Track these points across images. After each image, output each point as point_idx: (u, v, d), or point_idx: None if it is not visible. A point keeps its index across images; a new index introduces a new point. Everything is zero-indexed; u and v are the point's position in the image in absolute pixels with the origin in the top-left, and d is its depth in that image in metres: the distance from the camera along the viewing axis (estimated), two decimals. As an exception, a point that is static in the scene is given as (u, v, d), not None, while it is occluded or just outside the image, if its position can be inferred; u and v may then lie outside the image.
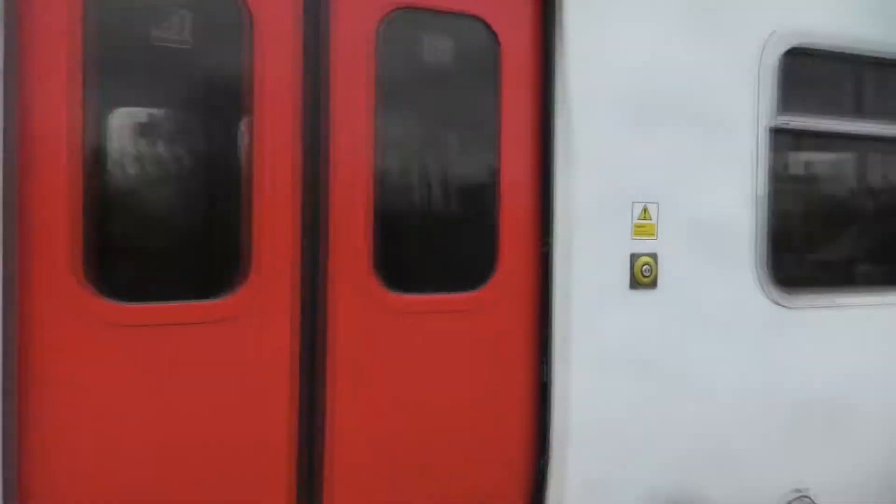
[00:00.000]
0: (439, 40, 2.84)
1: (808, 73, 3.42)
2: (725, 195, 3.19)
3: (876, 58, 3.48)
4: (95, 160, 2.39)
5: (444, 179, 2.91)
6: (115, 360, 2.34)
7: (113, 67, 2.37)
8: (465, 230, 2.92)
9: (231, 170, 2.54)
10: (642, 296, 3.05)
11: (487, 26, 2.85)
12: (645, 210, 3.06)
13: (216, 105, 2.58)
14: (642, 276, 3.03)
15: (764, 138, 3.23)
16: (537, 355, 2.95)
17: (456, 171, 2.95)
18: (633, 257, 3.02)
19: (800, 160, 3.57)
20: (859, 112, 3.53)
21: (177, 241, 2.59)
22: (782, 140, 3.33)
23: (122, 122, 2.48)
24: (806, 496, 3.42)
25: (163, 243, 2.56)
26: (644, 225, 3.06)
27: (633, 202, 3.02)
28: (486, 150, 2.89)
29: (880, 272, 3.68)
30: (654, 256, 3.06)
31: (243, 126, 2.53)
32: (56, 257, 2.28)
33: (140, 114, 2.51)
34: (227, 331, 2.48)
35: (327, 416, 2.65)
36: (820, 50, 3.36)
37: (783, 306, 3.30)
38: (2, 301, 2.17)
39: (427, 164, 2.89)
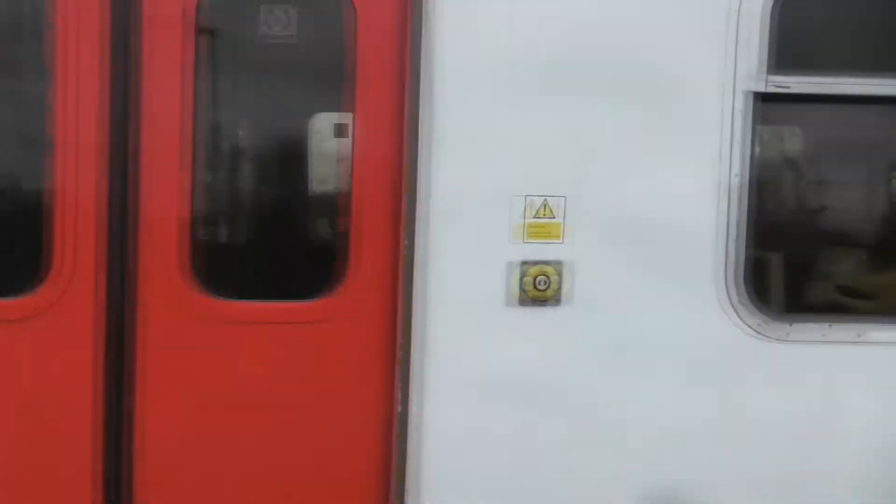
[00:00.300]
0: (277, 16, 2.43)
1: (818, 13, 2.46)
2: (677, 184, 2.38)
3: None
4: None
5: (275, 177, 2.50)
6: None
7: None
8: (311, 231, 2.49)
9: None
10: (538, 314, 2.38)
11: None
12: (545, 206, 2.37)
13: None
14: (535, 290, 2.36)
15: (742, 107, 2.36)
16: (392, 379, 2.42)
17: (291, 167, 2.52)
18: (523, 265, 2.36)
19: (802, 136, 2.58)
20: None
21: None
22: (774, 109, 2.42)
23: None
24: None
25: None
26: (543, 224, 2.37)
27: (525, 196, 2.36)
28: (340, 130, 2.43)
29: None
30: (557, 265, 2.37)
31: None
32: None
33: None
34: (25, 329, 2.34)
35: (136, 421, 2.41)
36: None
37: (766, 337, 2.40)
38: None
39: (257, 161, 2.51)
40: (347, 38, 2.36)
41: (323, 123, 2.54)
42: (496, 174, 2.36)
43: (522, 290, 2.36)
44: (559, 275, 2.36)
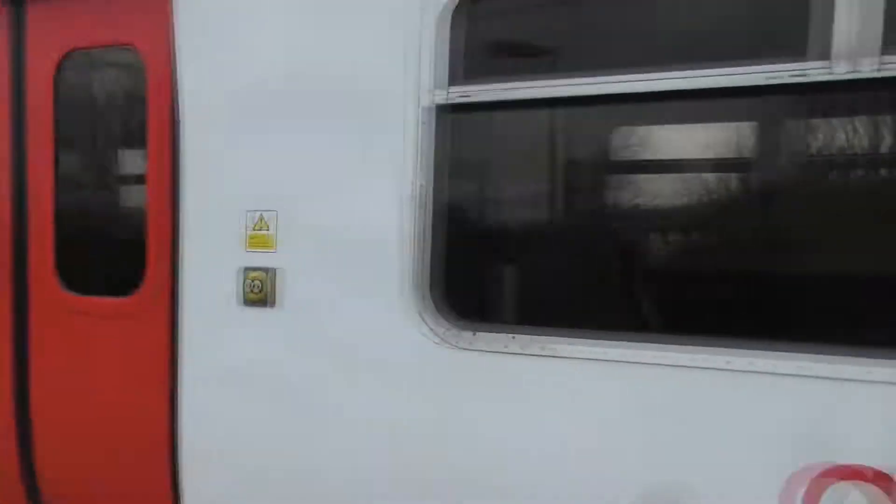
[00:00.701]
0: (107, 71, 3.14)
1: (499, 22, 2.40)
2: (370, 197, 2.54)
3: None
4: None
5: (108, 191, 3.18)
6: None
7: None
8: (126, 238, 3.11)
9: None
10: (254, 314, 2.71)
11: (136, 50, 3.00)
12: (261, 219, 2.70)
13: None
14: (252, 293, 2.70)
15: (427, 119, 2.44)
16: (171, 369, 2.93)
17: (118, 183, 3.17)
18: (245, 271, 2.72)
19: (489, 144, 2.47)
20: (590, 64, 2.25)
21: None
22: (460, 118, 2.43)
23: None
24: None
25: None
26: (260, 236, 2.71)
27: (246, 211, 2.72)
28: (140, 163, 3.05)
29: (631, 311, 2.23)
30: (269, 271, 2.68)
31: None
32: None
33: None
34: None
35: (30, 404, 3.27)
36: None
37: (450, 345, 2.41)
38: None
39: (98, 179, 3.22)
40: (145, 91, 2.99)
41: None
42: (232, 191, 2.76)
43: (245, 293, 2.72)
44: (271, 280, 2.68)
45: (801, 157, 2.55)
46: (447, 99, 2.41)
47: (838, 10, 1.95)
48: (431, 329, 2.44)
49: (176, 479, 2.94)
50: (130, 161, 3.24)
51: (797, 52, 2.01)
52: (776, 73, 2.01)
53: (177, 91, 2.84)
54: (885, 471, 1.95)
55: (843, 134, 2.30)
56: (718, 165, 2.70)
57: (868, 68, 1.93)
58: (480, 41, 2.42)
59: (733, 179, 2.72)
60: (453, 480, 2.42)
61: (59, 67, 3.17)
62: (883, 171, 2.55)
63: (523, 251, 2.63)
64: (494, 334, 2.38)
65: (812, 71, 1.98)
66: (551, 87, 2.27)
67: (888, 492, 1.96)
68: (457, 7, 2.38)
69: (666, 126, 2.81)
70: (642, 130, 2.77)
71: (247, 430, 2.78)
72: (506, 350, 2.35)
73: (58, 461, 3.26)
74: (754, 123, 2.56)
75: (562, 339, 2.28)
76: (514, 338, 2.35)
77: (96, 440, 3.14)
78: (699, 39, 2.23)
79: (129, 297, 3.05)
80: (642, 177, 2.80)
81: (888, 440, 1.97)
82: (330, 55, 2.58)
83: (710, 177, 2.67)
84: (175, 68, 2.85)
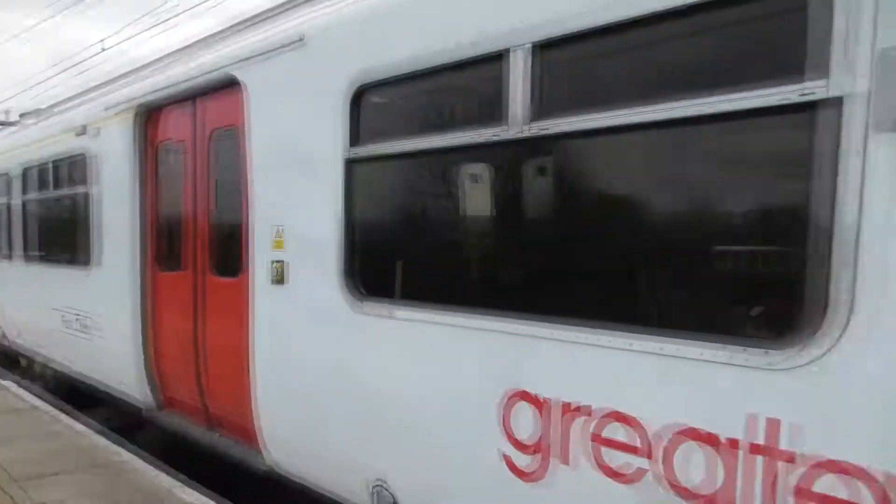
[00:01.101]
0: (229, 141, 5.13)
1: (386, 103, 3.78)
2: (322, 216, 4.10)
3: (445, 65, 3.42)
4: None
5: (230, 214, 5.18)
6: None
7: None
8: (235, 244, 5.06)
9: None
10: (278, 288, 4.44)
11: (236, 128, 4.94)
12: (278, 231, 4.42)
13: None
14: (275, 276, 4.44)
15: (342, 169, 3.94)
16: (249, 320, 4.83)
17: (234, 209, 5.13)
18: (272, 263, 4.46)
19: (376, 183, 3.80)
20: (440, 126, 3.52)
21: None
22: (357, 167, 3.87)
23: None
24: (384, 486, 3.79)
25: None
26: (278, 241, 4.43)
27: (272, 225, 4.46)
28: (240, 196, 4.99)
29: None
30: (283, 263, 4.38)
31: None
32: None
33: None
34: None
35: (198, 342, 5.49)
36: (390, 79, 3.69)
37: (356, 311, 3.88)
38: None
39: (225, 207, 5.24)
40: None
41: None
42: (268, 213, 4.56)
43: (272, 276, 4.49)
44: (285, 268, 4.39)
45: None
46: (349, 155, 3.88)
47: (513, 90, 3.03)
48: (346, 300, 3.94)
49: (253, 387, 4.82)
50: (236, 195, 5.24)
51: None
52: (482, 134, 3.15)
53: (248, 152, 4.73)
54: (535, 392, 2.99)
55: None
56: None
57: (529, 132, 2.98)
58: (370, 118, 3.84)
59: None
60: (353, 399, 3.90)
61: (211, 137, 5.29)
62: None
63: (394, 251, 3.98)
64: (372, 304, 3.79)
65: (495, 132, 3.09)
66: (395, 148, 3.64)
67: (539, 408, 2.98)
68: (354, 95, 3.84)
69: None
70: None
71: (275, 355, 4.55)
72: (377, 314, 3.75)
73: (211, 377, 5.40)
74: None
75: (399, 307, 3.62)
76: (381, 305, 3.74)
77: (221, 363, 5.20)
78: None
79: (236, 278, 5.02)
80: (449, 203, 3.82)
81: (563, 374, 2.99)
82: (306, 132, 4.21)
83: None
84: (248, 139, 4.74)
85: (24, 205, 8.70)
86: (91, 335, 7.02)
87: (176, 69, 5.77)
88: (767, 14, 2.44)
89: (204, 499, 5.15)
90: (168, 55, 6.22)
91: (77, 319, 7.37)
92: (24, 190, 8.66)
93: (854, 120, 2.17)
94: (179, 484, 5.47)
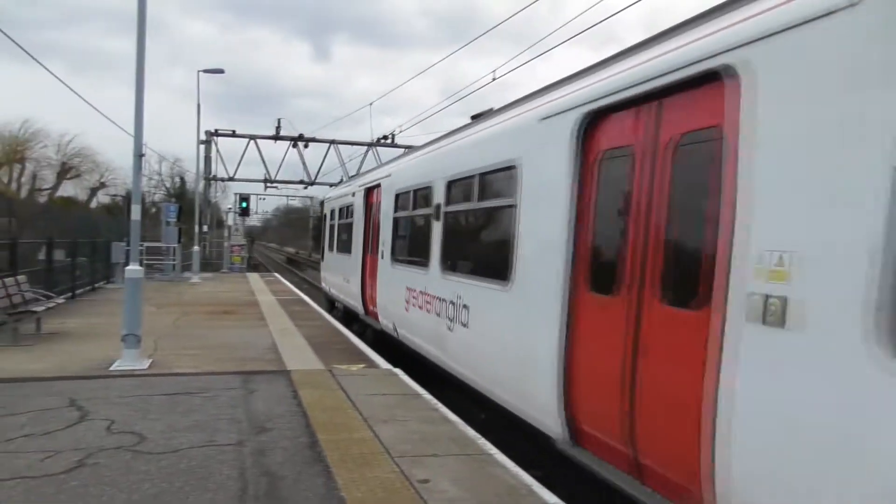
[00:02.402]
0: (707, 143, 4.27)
1: None
2: (848, 240, 3.02)
3: None
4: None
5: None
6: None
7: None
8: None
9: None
10: (774, 333, 3.43)
11: (719, 129, 4.07)
12: (780, 257, 3.40)
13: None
14: (770, 314, 3.42)
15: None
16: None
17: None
18: (765, 297, 3.46)
19: None
20: None
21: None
22: None
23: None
24: None
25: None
26: (777, 270, 3.41)
27: (769, 250, 3.47)
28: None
29: None
30: (782, 299, 3.36)
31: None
32: None
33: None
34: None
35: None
36: None
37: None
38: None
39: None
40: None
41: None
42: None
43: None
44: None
45: None
46: None
47: None
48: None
49: (710, 446, 3.88)
50: (705, 211, 4.36)
51: None
52: None
53: (740, 159, 3.84)
54: None
55: None
56: None
57: None
58: None
59: None
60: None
61: (672, 143, 4.53)
62: None
63: None
64: None
65: None
66: None
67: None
68: None
69: None
70: None
71: (759, 415, 3.56)
72: None
73: (643, 421, 4.61)
74: None
75: None
76: None
77: (661, 408, 4.36)
78: None
79: (695, 310, 4.15)
80: None
81: None
82: (841, 131, 3.18)
83: None
84: (742, 142, 3.86)
85: (445, 215, 9.04)
86: (500, 349, 6.84)
87: (625, 69, 5.14)
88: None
89: (564, 504, 4.88)
90: (615, 55, 5.65)
91: (484, 332, 7.31)
92: (448, 201, 9.01)
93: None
94: (540, 484, 5.29)
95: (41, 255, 17.09)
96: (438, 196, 9.26)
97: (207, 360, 10.08)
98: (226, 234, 43.86)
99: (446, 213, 8.97)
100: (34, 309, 12.06)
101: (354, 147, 37.16)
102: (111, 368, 9.27)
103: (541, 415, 5.96)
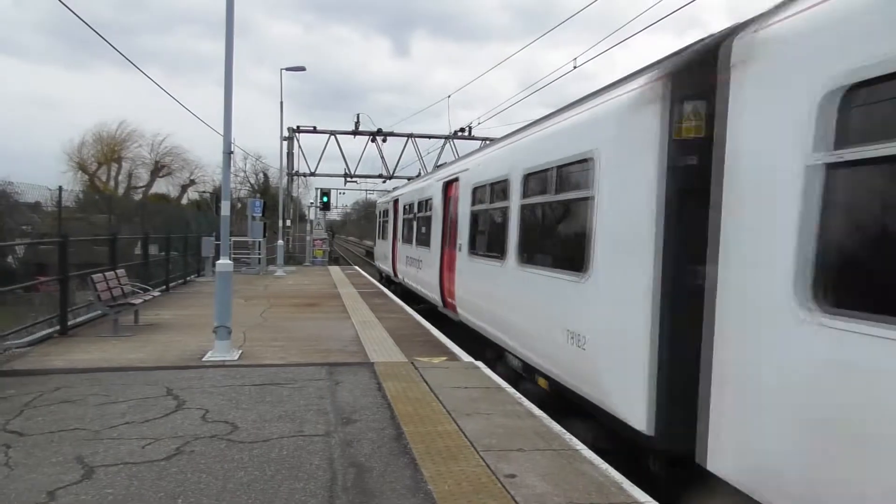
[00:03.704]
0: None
1: None
2: None
3: None
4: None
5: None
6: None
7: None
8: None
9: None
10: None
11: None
12: None
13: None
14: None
15: None
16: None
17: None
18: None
19: None
20: None
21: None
22: None
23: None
24: None
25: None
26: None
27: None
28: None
29: None
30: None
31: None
32: None
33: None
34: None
35: None
36: None
37: None
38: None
39: None
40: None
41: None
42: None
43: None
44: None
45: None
46: None
47: None
48: None
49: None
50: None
51: None
52: None
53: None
54: None
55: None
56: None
57: None
58: None
59: None
60: None
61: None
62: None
63: None
64: None
65: None
66: None
67: None
68: None
69: None
70: None
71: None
72: None
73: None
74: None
75: None
76: None
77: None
78: None
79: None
80: None
81: None
82: None
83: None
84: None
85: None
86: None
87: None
88: None
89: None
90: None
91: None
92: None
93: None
94: (629, 482, 5.20)
95: (137, 250, 17.97)
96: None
97: (294, 352, 10.33)
98: (308, 228, 44.97)
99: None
100: (133, 301, 12.66)
101: (432, 141, 37.38)
102: (204, 359, 9.62)
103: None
